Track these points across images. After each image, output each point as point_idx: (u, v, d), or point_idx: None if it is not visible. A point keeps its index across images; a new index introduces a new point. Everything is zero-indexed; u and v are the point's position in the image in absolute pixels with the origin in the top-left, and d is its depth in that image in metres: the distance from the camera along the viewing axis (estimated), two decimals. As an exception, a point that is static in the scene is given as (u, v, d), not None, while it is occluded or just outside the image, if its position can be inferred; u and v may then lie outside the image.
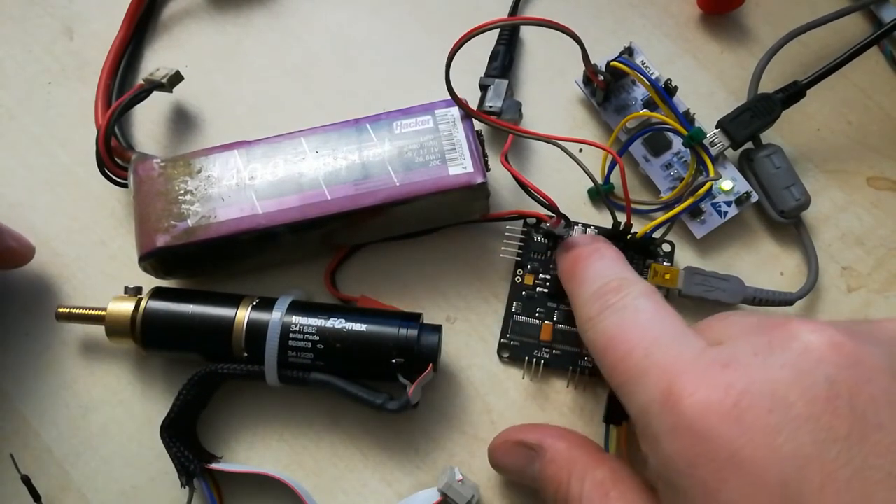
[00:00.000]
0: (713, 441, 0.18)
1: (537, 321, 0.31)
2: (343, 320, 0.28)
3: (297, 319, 0.28)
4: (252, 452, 0.30)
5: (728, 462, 0.18)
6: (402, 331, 0.28)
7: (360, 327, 0.28)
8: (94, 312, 0.29)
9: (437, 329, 0.29)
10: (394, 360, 0.28)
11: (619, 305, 0.24)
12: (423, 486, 0.29)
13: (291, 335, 0.28)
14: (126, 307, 0.29)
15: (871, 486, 0.17)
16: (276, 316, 0.28)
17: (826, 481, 0.17)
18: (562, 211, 0.28)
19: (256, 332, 0.28)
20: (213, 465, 0.28)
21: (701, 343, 0.22)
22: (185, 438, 0.29)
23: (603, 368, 0.24)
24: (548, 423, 0.30)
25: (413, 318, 0.29)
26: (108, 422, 0.31)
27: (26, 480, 0.29)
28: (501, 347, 0.31)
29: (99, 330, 0.30)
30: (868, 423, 0.18)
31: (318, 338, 0.28)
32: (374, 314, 0.29)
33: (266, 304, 0.29)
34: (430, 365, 0.27)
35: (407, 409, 0.28)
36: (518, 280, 0.31)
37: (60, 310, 0.30)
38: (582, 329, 0.25)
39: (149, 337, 0.29)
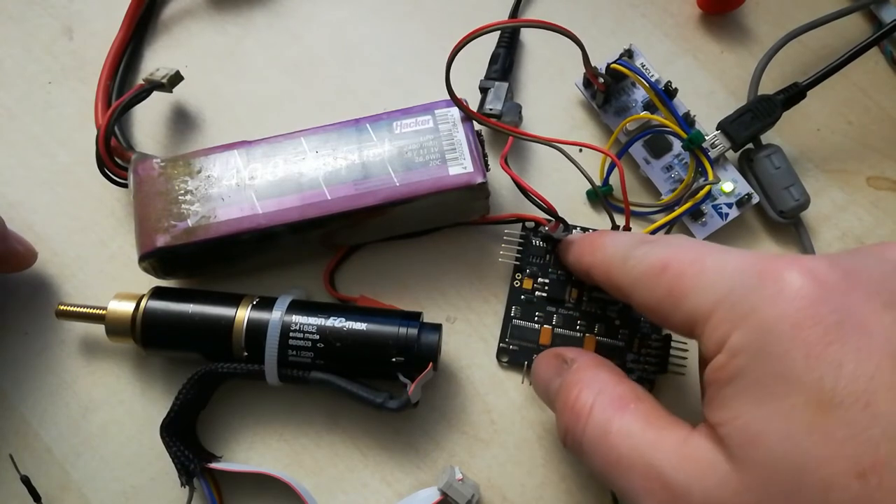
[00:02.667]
0: (821, 305, 0.18)
1: (536, 325, 0.31)
2: (343, 319, 0.28)
3: (297, 318, 0.28)
4: (252, 452, 0.30)
5: (837, 325, 0.18)
6: (403, 329, 0.28)
7: (360, 326, 0.28)
8: (94, 311, 0.29)
9: (437, 328, 0.29)
10: (394, 359, 0.28)
11: (666, 239, 0.24)
12: (423, 486, 0.29)
13: (291, 334, 0.28)
14: (126, 307, 0.29)
15: None
16: (276, 315, 0.28)
17: None
18: (560, 214, 0.28)
19: (256, 331, 0.28)
20: (213, 465, 0.28)
21: None
22: (185, 438, 0.29)
23: (657, 289, 0.22)
24: (550, 422, 0.30)
25: (413, 317, 0.29)
26: (108, 422, 0.31)
27: (26, 480, 0.29)
28: (501, 352, 0.31)
29: (99, 330, 0.30)
30: None
31: (318, 337, 0.28)
32: (374, 313, 0.29)
33: (266, 303, 0.29)
34: (431, 364, 0.27)
35: (407, 407, 0.28)
36: (517, 284, 0.31)
37: (60, 307, 0.30)
38: (622, 271, 0.24)
39: (149, 336, 0.29)
